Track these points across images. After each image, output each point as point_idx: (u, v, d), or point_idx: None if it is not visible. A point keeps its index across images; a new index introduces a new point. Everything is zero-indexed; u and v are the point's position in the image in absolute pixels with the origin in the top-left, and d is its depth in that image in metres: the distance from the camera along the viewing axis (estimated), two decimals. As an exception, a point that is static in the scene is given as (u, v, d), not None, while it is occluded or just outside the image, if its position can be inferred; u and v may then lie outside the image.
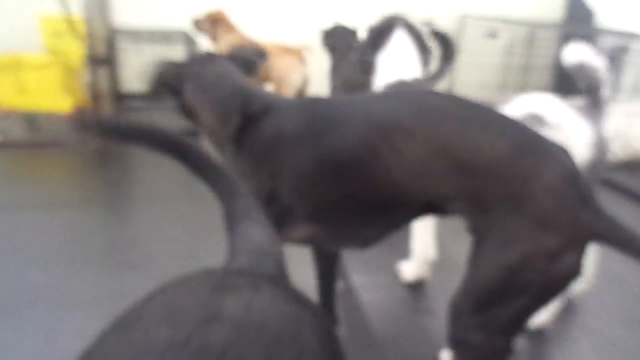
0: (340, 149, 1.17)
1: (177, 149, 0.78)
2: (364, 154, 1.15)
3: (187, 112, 1.40)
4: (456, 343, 1.16)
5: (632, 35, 3.38)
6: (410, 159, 1.10)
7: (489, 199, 1.03)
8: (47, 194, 2.73)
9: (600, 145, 1.57)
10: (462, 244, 1.20)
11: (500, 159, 1.02)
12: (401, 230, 1.33)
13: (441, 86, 1.92)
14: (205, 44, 3.77)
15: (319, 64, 3.48)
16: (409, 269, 2.06)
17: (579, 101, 1.63)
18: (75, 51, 3.55)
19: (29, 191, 2.77)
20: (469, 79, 4.45)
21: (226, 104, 1.30)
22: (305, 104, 1.28)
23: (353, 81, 2.51)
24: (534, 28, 4.55)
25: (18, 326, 1.71)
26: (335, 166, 1.19)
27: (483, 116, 1.09)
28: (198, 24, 3.66)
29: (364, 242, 1.37)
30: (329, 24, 3.30)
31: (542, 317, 1.82)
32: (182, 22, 3.73)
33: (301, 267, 1.83)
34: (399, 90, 1.22)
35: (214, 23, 3.61)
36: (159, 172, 3.09)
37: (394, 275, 2.12)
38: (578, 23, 4.83)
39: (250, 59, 1.48)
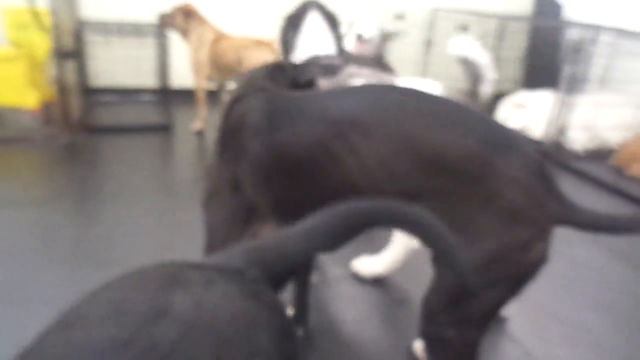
0: (292, 146, 1.13)
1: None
2: (318, 153, 1.10)
3: None
4: (430, 339, 1.15)
5: (598, 28, 3.45)
6: (370, 158, 1.06)
7: (458, 196, 1.02)
8: (14, 191, 2.65)
9: None
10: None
11: (467, 155, 1.00)
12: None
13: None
14: (176, 38, 3.71)
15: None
16: (365, 265, 2.08)
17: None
18: (41, 44, 3.45)
19: (-6, 188, 2.68)
20: (441, 71, 4.49)
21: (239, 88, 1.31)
22: (270, 96, 1.25)
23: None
24: (503, 21, 4.61)
25: (-17, 327, 1.66)
26: (288, 164, 1.14)
27: (447, 111, 1.07)
28: (165, 18, 3.58)
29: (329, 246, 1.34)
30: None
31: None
32: (153, 14, 3.65)
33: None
34: (362, 86, 1.19)
35: (186, 16, 3.55)
36: (129, 167, 3.03)
37: (369, 267, 2.12)
38: (546, 16, 4.93)
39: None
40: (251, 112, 1.21)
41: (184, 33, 3.59)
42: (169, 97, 3.95)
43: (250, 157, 1.18)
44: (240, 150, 1.20)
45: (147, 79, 4.20)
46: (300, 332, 1.70)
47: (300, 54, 2.06)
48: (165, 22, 3.59)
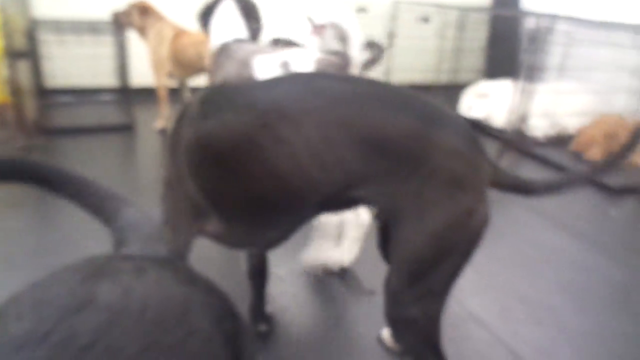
0: (217, 135, 1.10)
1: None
2: (242, 143, 1.07)
3: None
4: (394, 321, 1.16)
5: (555, 17, 3.52)
6: (300, 148, 1.04)
7: (402, 176, 1.03)
8: (-34, 197, 2.55)
9: None
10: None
11: (406, 133, 1.02)
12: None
13: (377, 71, 2.08)
14: (134, 35, 3.62)
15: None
16: (327, 256, 2.05)
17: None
18: (-10, 44, 3.33)
19: (-55, 195, 2.57)
20: (404, 63, 4.52)
21: None
22: (210, 88, 1.23)
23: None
24: (464, 12, 4.68)
25: None
26: (214, 153, 1.11)
27: (382, 93, 1.07)
28: (120, 16, 3.47)
29: (269, 243, 1.32)
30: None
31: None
32: (109, 12, 3.55)
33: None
34: (292, 74, 1.18)
35: (142, 14, 3.46)
36: (90, 169, 2.95)
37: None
38: (505, 6, 5.02)
39: None
40: (191, 103, 1.19)
41: (142, 31, 3.51)
42: (129, 96, 3.86)
43: (184, 147, 1.16)
44: (180, 140, 1.18)
45: (105, 78, 4.09)
46: (263, 327, 1.68)
47: (213, 40, 2.27)
48: (120, 21, 3.49)
